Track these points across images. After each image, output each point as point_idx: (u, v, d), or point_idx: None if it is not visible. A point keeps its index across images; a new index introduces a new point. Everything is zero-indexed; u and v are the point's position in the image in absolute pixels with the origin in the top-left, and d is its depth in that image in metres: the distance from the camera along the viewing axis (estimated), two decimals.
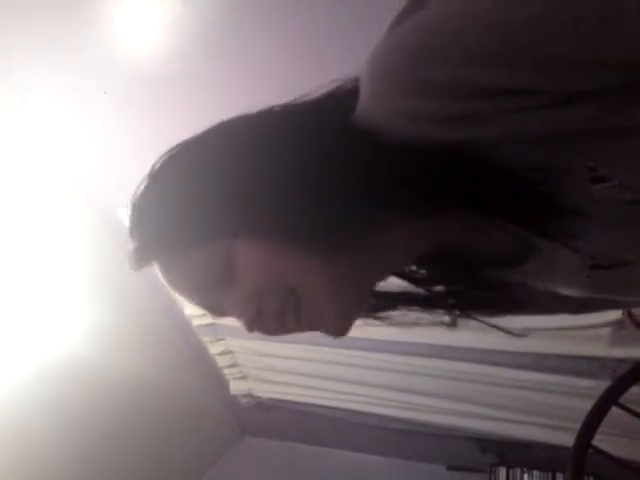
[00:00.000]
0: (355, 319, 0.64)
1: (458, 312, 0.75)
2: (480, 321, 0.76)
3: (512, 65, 0.40)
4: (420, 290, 0.75)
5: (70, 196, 2.58)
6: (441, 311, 0.75)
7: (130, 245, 0.64)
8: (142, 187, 0.63)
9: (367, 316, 0.72)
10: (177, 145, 0.63)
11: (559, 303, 0.76)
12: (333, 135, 0.55)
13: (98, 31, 2.01)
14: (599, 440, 1.58)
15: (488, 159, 0.50)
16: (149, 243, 0.63)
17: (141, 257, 0.63)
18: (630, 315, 1.64)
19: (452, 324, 0.76)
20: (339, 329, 0.63)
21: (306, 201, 0.55)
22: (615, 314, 1.80)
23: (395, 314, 0.75)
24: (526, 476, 2.39)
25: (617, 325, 1.85)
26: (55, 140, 2.49)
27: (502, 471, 2.45)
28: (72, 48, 2.09)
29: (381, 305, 0.74)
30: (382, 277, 0.67)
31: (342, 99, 0.56)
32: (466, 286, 0.75)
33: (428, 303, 0.75)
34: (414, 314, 0.75)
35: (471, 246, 0.66)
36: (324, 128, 0.56)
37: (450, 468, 2.72)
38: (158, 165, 0.63)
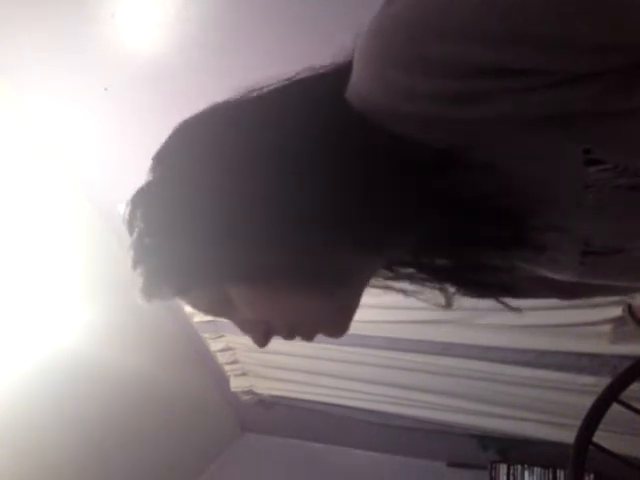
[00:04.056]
0: (351, 322, 0.66)
1: (453, 291, 0.74)
2: (477, 297, 0.75)
3: (515, 44, 0.39)
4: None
5: (70, 192, 2.58)
6: (435, 285, 0.75)
7: (137, 277, 0.63)
8: (127, 214, 0.62)
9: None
10: (143, 188, 0.61)
11: (551, 289, 0.75)
12: (324, 127, 0.52)
13: (99, 28, 2.00)
14: (600, 437, 1.58)
15: (479, 153, 0.49)
16: (149, 286, 0.63)
17: (146, 293, 0.63)
18: (631, 311, 1.63)
19: (448, 305, 0.75)
20: (337, 336, 0.66)
21: (286, 232, 0.53)
22: (616, 311, 1.80)
23: (394, 283, 0.75)
24: (527, 473, 2.40)
25: (618, 322, 1.85)
26: (55, 136, 2.48)
27: (503, 468, 2.45)
28: (72, 45, 2.09)
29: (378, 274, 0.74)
30: (367, 283, 0.69)
31: (333, 79, 0.53)
32: (459, 264, 0.74)
33: (423, 276, 0.74)
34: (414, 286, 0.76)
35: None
36: (313, 121, 0.53)
37: (451, 465, 2.73)
38: (136, 195, 0.61)
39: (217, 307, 0.64)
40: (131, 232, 0.62)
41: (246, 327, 0.67)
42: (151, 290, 0.63)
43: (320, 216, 0.53)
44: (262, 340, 0.66)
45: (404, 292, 0.76)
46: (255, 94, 0.58)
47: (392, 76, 0.44)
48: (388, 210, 0.54)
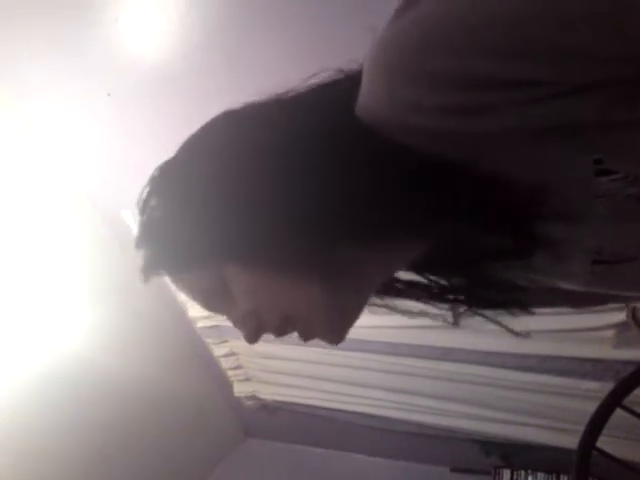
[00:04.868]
0: (349, 329, 0.65)
1: (461, 309, 0.75)
2: (483, 317, 0.75)
3: (520, 56, 0.39)
4: (424, 281, 0.75)
5: (74, 198, 2.59)
6: (445, 305, 0.75)
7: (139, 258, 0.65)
8: (143, 196, 0.64)
9: (372, 304, 0.72)
10: (162, 166, 0.64)
11: (560, 297, 0.75)
12: (332, 133, 0.53)
13: (102, 33, 2.01)
14: (603, 442, 1.58)
15: (486, 165, 0.49)
16: (150, 264, 0.64)
17: (146, 272, 0.65)
18: (634, 317, 1.63)
19: (455, 322, 0.76)
20: (334, 341, 0.65)
21: (291, 225, 0.54)
22: (619, 316, 1.80)
23: (400, 303, 0.76)
24: (530, 478, 2.38)
25: (621, 327, 1.84)
26: (59, 142, 2.49)
27: (506, 473, 2.44)
28: (75, 50, 2.10)
29: (386, 293, 0.74)
30: (376, 286, 0.68)
31: (341, 93, 0.54)
32: (468, 279, 0.74)
33: (432, 295, 0.75)
34: (419, 304, 0.75)
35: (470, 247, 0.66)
36: (322, 126, 0.54)
37: (454, 470, 2.72)
38: (156, 174, 0.64)
39: (213, 294, 0.63)
40: (143, 212, 0.64)
41: (238, 321, 0.66)
42: (153, 267, 0.64)
43: (323, 212, 0.54)
44: (253, 335, 0.65)
45: (409, 313, 0.76)
46: (276, 98, 0.60)
47: (399, 89, 0.44)
48: (390, 211, 0.55)
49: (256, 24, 1.78)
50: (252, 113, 0.60)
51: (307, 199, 0.53)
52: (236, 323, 0.66)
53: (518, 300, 0.74)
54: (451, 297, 0.74)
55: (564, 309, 1.88)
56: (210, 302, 0.65)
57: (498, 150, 0.48)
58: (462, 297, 0.74)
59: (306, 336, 0.65)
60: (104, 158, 2.48)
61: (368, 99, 0.49)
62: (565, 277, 0.68)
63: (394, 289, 0.74)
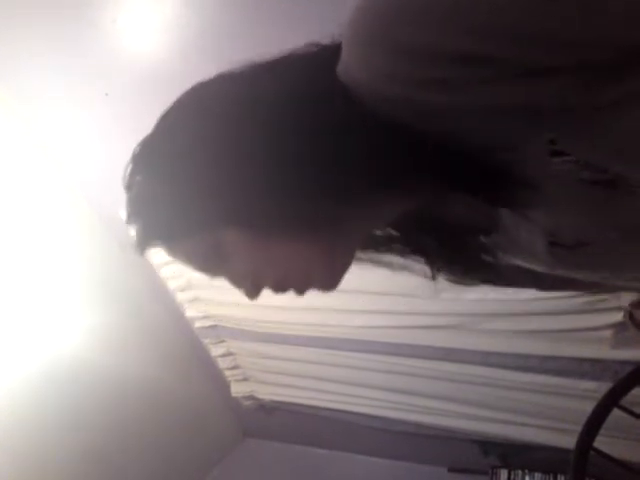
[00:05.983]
0: (344, 273, 0.67)
1: (439, 265, 0.77)
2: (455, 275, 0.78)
3: (492, 36, 0.40)
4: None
5: (71, 198, 2.59)
6: (422, 259, 0.78)
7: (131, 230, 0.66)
8: (127, 173, 0.66)
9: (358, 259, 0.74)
10: (152, 132, 0.66)
11: (530, 278, 0.77)
12: (316, 93, 0.55)
13: (100, 33, 2.01)
14: (601, 442, 1.58)
15: (451, 132, 0.50)
16: (143, 235, 0.65)
17: (140, 245, 0.65)
18: (632, 317, 1.64)
19: (433, 278, 0.78)
20: (330, 285, 0.67)
21: (280, 185, 0.56)
22: (617, 316, 1.80)
23: (382, 257, 0.78)
24: (527, 478, 2.39)
25: (619, 327, 1.85)
26: (56, 142, 2.49)
27: (504, 473, 2.44)
28: (75, 50, 2.10)
29: (365, 246, 0.77)
30: (360, 241, 0.70)
31: (325, 58, 0.55)
32: (438, 245, 0.76)
33: (405, 250, 0.78)
34: (402, 260, 0.79)
35: (440, 212, 0.68)
36: (306, 87, 0.56)
37: (452, 470, 2.72)
38: (137, 151, 0.66)
39: (211, 258, 0.64)
40: (130, 188, 0.65)
41: (237, 281, 0.67)
42: (147, 239, 0.64)
43: (305, 171, 0.55)
44: (253, 292, 0.66)
45: (391, 266, 0.79)
46: (257, 65, 0.64)
47: (376, 57, 0.45)
48: (371, 169, 0.56)
49: (253, 23, 1.79)
50: (230, 81, 0.65)
51: (291, 160, 0.55)
52: (235, 283, 0.68)
53: (483, 272, 0.76)
54: (430, 254, 0.77)
55: (561, 308, 1.88)
56: (208, 265, 0.66)
57: (463, 123, 0.49)
58: (432, 256, 0.77)
59: (303, 286, 0.66)
60: (101, 157, 2.48)
61: (346, 63, 0.49)
62: (526, 257, 0.70)
63: (373, 242, 0.77)
